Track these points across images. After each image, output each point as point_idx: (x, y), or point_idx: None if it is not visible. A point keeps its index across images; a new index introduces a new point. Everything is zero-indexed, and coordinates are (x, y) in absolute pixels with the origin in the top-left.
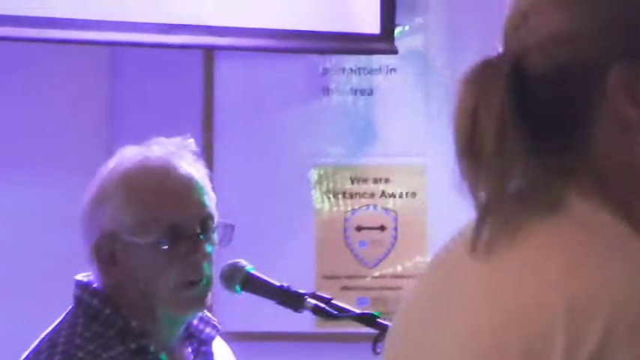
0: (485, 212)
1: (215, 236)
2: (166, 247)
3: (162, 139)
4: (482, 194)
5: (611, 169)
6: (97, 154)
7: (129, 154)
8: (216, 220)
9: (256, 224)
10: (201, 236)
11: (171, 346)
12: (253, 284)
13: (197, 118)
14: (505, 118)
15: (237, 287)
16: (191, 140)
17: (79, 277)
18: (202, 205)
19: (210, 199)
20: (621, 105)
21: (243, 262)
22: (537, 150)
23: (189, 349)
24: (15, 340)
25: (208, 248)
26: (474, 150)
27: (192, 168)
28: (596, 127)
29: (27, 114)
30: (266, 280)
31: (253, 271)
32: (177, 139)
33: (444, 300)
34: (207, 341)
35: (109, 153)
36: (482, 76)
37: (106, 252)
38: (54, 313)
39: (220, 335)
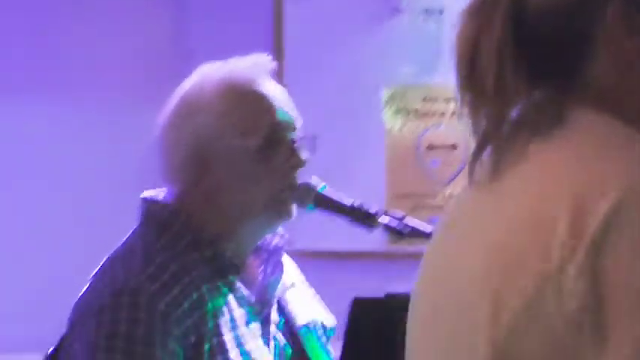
0: (484, 141)
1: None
2: (266, 152)
3: (239, 58)
4: (483, 125)
5: (612, 99)
6: (166, 85)
7: (212, 69)
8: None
9: (328, 144)
10: (296, 143)
11: (247, 254)
12: (325, 202)
13: (268, 39)
14: (505, 50)
15: (310, 205)
16: (268, 57)
17: (146, 194)
18: (294, 115)
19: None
20: (621, 36)
21: (315, 180)
22: (538, 82)
23: (259, 261)
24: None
25: (304, 155)
26: (474, 81)
27: (273, 83)
28: (597, 59)
29: (99, 41)
30: (339, 199)
31: (325, 190)
32: (251, 57)
33: (458, 232)
34: (276, 252)
35: (179, 80)
36: (483, 8)
37: (199, 162)
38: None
39: (290, 252)
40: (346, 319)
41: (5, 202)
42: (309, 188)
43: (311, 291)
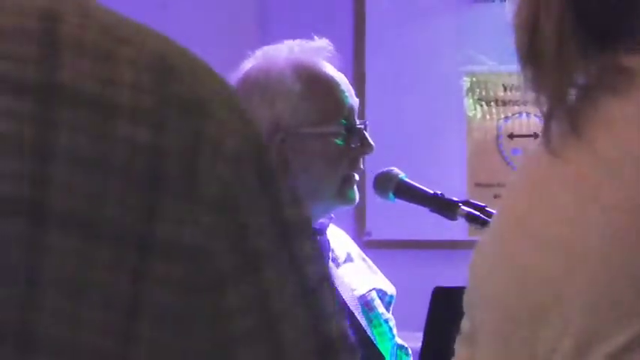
0: (548, 118)
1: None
2: (341, 138)
3: (291, 42)
4: (545, 101)
5: None
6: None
7: (276, 52)
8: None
9: (409, 133)
10: (364, 129)
11: None
12: (407, 191)
13: (349, 27)
14: (565, 21)
15: (391, 194)
16: (326, 41)
17: None
18: (358, 103)
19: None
20: None
21: (396, 169)
22: (599, 52)
23: None
24: None
25: (372, 142)
26: (534, 55)
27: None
28: None
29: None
30: (419, 188)
31: (406, 179)
32: (310, 41)
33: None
34: (321, 231)
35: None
36: None
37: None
38: None
39: (371, 242)
40: (428, 309)
41: None
42: (390, 177)
43: (368, 262)
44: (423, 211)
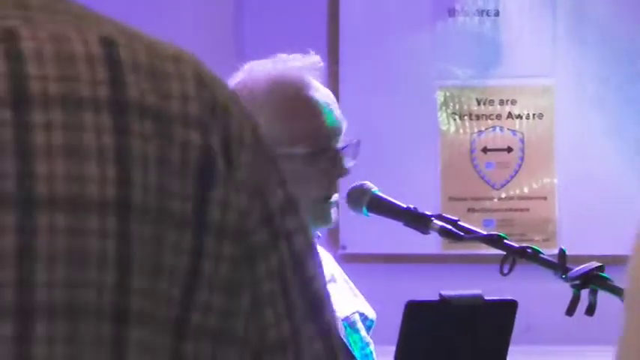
0: None
1: (349, 152)
2: (311, 159)
3: (288, 55)
4: None
5: None
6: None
7: (260, 68)
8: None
9: (382, 146)
10: (340, 152)
11: None
12: (379, 206)
13: (322, 41)
14: None
15: (364, 209)
16: (317, 57)
17: None
18: (341, 120)
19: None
20: None
21: (369, 184)
22: None
23: None
24: None
25: (348, 163)
26: None
27: (320, 87)
28: None
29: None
30: (392, 202)
31: (379, 193)
32: (299, 56)
33: None
34: None
35: (234, 70)
36: None
37: None
38: None
39: (345, 256)
40: (400, 323)
41: None
42: (363, 191)
43: (350, 284)
44: (397, 224)
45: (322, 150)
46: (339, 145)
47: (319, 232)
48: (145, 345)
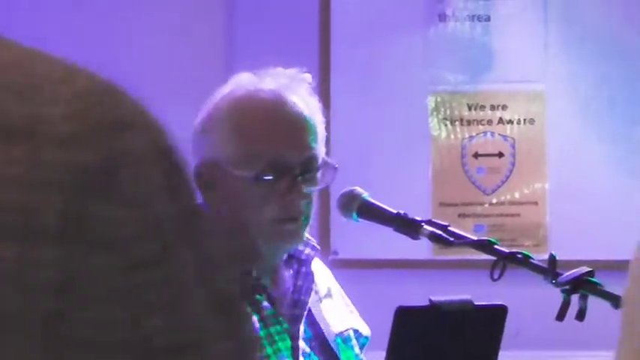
0: None
1: (318, 176)
2: (265, 182)
3: (279, 69)
4: None
5: None
6: (213, 79)
7: (242, 83)
8: (320, 159)
9: (373, 152)
10: (299, 177)
11: (274, 267)
12: (370, 211)
13: (314, 44)
14: None
15: (354, 214)
16: (307, 74)
17: None
18: (307, 145)
19: (318, 139)
20: None
21: (359, 189)
22: None
23: (290, 271)
24: None
25: (307, 189)
26: None
27: (304, 104)
28: None
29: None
30: (382, 208)
31: (369, 199)
32: (293, 71)
33: None
34: (306, 262)
35: (226, 77)
36: None
37: (206, 178)
38: None
39: (334, 262)
40: (390, 328)
41: None
42: (353, 197)
43: (346, 300)
44: (388, 230)
45: (277, 172)
46: (312, 166)
47: (315, 243)
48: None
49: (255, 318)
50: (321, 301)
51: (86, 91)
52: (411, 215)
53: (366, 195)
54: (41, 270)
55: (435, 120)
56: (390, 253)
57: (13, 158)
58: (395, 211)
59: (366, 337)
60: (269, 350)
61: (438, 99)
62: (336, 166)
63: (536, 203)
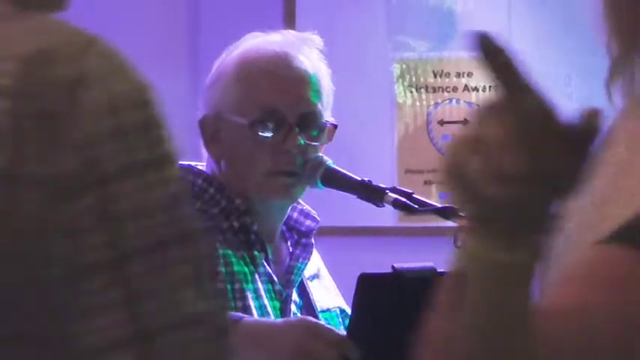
0: (612, 71)
1: (318, 133)
2: (260, 133)
3: (290, 31)
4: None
5: None
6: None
7: (249, 38)
8: (323, 119)
9: (338, 120)
10: (297, 128)
11: (273, 232)
12: (334, 179)
13: (279, 12)
14: None
15: (319, 182)
16: (317, 36)
17: (184, 163)
18: (307, 99)
19: (321, 97)
20: None
21: (324, 157)
22: None
23: (289, 242)
24: None
25: (301, 141)
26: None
27: (309, 62)
28: None
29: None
30: (347, 175)
31: (334, 166)
32: (305, 34)
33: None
34: (307, 233)
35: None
36: None
37: (211, 130)
38: None
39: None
40: (353, 296)
41: None
42: (317, 164)
43: (333, 284)
44: (353, 197)
45: (273, 122)
46: (310, 120)
47: (316, 215)
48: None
49: (245, 270)
50: (311, 280)
51: (29, 54)
52: (376, 182)
53: (330, 162)
54: None
55: (401, 87)
56: (355, 221)
57: None
58: (359, 179)
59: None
60: (256, 304)
61: (404, 66)
62: (336, 124)
63: None
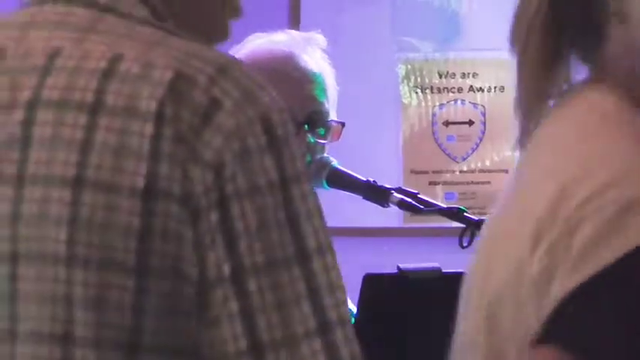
0: (516, 111)
1: (323, 132)
2: None
3: (293, 31)
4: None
5: (616, 57)
6: None
7: (253, 39)
8: (330, 117)
9: (344, 120)
10: (306, 126)
11: None
12: (340, 179)
13: (284, 13)
14: (540, 21)
15: (324, 182)
16: (320, 36)
17: None
18: (314, 98)
19: (327, 95)
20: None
21: (329, 157)
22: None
23: None
24: None
25: (311, 139)
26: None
27: (314, 62)
28: (606, 27)
29: None
30: (352, 175)
31: (339, 167)
32: (309, 33)
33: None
34: None
35: None
36: None
37: None
38: None
39: None
40: (358, 296)
41: None
42: (322, 164)
43: None
44: (359, 197)
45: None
46: (317, 119)
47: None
48: (92, 284)
49: None
50: None
51: (172, 79)
52: (381, 183)
53: (335, 163)
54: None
55: (406, 88)
56: (361, 221)
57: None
58: (365, 179)
59: (353, 313)
60: None
61: (409, 67)
62: (343, 122)
63: (506, 171)
